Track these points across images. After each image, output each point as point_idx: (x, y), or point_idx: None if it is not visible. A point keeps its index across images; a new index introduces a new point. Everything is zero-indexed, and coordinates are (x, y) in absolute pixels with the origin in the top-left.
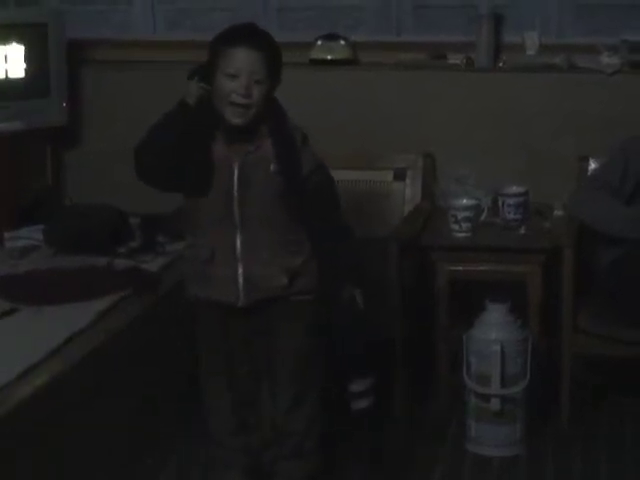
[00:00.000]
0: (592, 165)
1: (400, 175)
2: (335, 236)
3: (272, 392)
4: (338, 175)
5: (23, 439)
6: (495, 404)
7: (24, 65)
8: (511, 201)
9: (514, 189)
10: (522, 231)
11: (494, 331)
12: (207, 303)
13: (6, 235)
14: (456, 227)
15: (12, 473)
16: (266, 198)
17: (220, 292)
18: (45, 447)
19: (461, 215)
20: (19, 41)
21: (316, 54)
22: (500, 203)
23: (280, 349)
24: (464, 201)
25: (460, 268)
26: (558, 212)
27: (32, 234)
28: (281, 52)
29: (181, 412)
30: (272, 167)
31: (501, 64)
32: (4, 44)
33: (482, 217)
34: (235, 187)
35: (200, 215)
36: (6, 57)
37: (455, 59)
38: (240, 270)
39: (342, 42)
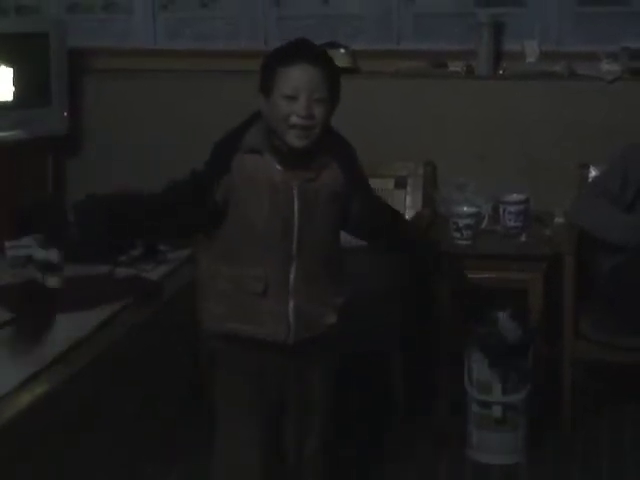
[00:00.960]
0: (592, 172)
1: (401, 183)
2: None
3: (296, 439)
4: None
5: (23, 448)
6: (497, 411)
7: (25, 75)
8: (512, 209)
9: (515, 196)
10: (523, 238)
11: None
12: (244, 342)
13: (7, 244)
14: (457, 235)
15: None
16: (325, 228)
17: (269, 329)
18: (45, 456)
19: (462, 223)
20: (20, 50)
21: None
22: (501, 211)
23: (315, 397)
24: (465, 209)
25: (461, 275)
26: (559, 219)
27: (34, 243)
28: (339, 68)
29: (182, 420)
30: (338, 195)
31: (501, 72)
32: (5, 53)
33: (483, 225)
34: (296, 215)
35: (251, 243)
36: (7, 67)
37: (455, 67)
38: (291, 305)
39: (342, 50)
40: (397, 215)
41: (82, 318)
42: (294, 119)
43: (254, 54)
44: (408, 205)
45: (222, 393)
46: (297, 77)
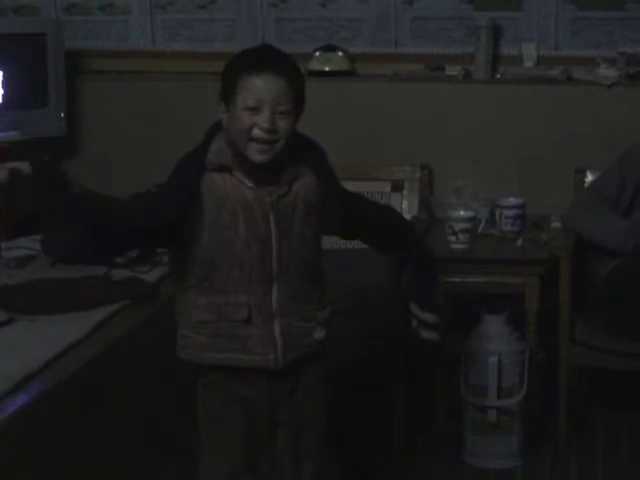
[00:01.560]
0: (589, 177)
1: (397, 186)
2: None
3: (292, 465)
4: None
5: (20, 450)
6: (492, 415)
7: (22, 75)
8: (508, 213)
9: (511, 200)
10: (519, 243)
11: (491, 342)
12: (228, 372)
13: (3, 245)
14: (453, 239)
15: None
16: (304, 243)
17: (256, 356)
18: (41, 459)
19: (458, 227)
20: (18, 51)
21: (314, 65)
22: (497, 215)
23: (307, 422)
24: (461, 213)
25: (457, 280)
26: (555, 224)
27: (29, 244)
28: (304, 76)
29: (180, 423)
30: (314, 205)
31: (499, 76)
32: (3, 54)
33: (479, 229)
34: (273, 236)
35: (229, 268)
36: (4, 67)
37: (453, 71)
38: (277, 327)
39: (340, 53)
40: (398, 217)
41: (78, 319)
42: (256, 132)
43: None
44: (404, 209)
45: (206, 431)
46: (260, 88)
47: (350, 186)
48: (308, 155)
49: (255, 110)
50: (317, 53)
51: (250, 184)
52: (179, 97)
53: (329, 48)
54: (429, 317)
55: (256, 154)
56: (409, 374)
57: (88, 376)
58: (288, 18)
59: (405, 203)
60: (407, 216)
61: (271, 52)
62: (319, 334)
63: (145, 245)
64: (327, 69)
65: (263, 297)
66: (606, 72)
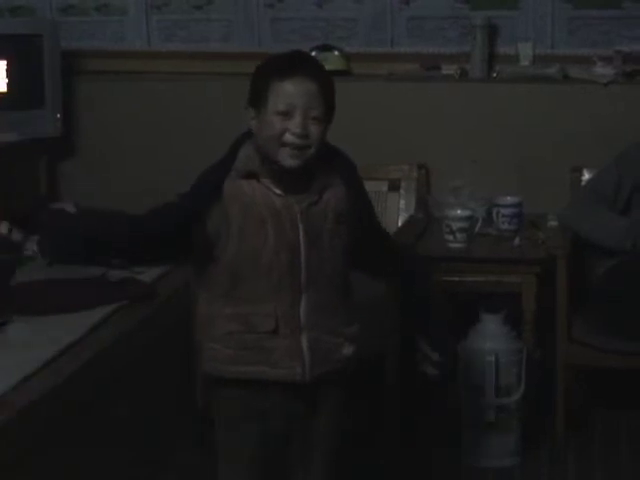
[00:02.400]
0: (586, 176)
1: (394, 186)
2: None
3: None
4: None
5: (19, 450)
6: (490, 414)
7: (18, 76)
8: (505, 212)
9: (508, 199)
10: (516, 242)
11: (488, 341)
12: (252, 386)
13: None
14: (450, 238)
15: None
16: (334, 254)
17: (283, 369)
18: (40, 459)
19: (455, 226)
20: (14, 52)
21: None
22: (494, 214)
23: (320, 443)
24: (458, 212)
25: (455, 279)
26: (552, 222)
27: (27, 245)
28: (334, 84)
29: (178, 424)
30: (343, 215)
31: (495, 75)
32: None
33: (476, 228)
34: (302, 244)
35: (257, 278)
36: (1, 68)
37: (449, 70)
38: (304, 340)
39: (336, 53)
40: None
41: (75, 320)
42: (288, 137)
43: (248, 56)
44: (401, 208)
45: (222, 447)
46: (292, 92)
47: None
48: (339, 166)
49: (286, 115)
50: (313, 53)
51: (278, 191)
52: (175, 97)
53: (325, 48)
54: (435, 356)
55: (288, 159)
56: (406, 374)
57: (85, 376)
58: (284, 18)
59: (402, 202)
60: (404, 215)
61: (303, 57)
62: (347, 350)
63: (164, 256)
64: None
65: (291, 308)
66: (602, 70)
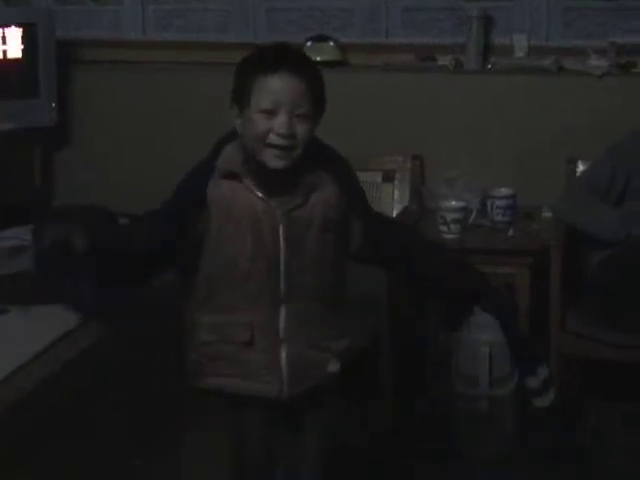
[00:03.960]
0: (580, 167)
1: (389, 177)
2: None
3: None
4: None
5: (12, 440)
6: (483, 406)
7: (13, 65)
8: (500, 203)
9: (503, 191)
10: (510, 233)
11: (482, 333)
12: (226, 400)
13: None
14: (445, 229)
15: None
16: (319, 263)
17: (258, 384)
18: (37, 449)
19: (450, 217)
20: (9, 41)
21: None
22: (489, 205)
23: (307, 456)
24: (453, 203)
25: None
26: (546, 214)
27: (21, 234)
28: (323, 76)
29: (175, 413)
30: (333, 222)
31: (490, 66)
32: None
33: (471, 219)
34: (282, 252)
35: (234, 286)
36: None
37: (444, 61)
38: (283, 354)
39: (331, 44)
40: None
41: (70, 309)
42: (272, 138)
43: (244, 46)
44: (396, 199)
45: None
46: (277, 88)
47: None
48: (329, 164)
49: (271, 113)
50: (308, 43)
51: (260, 194)
52: (171, 87)
53: (320, 38)
54: (533, 383)
55: (273, 160)
56: (399, 366)
57: (82, 366)
58: (280, 8)
59: (396, 193)
60: (398, 206)
61: (288, 50)
62: (333, 367)
63: (160, 266)
64: (318, 59)
65: (269, 319)
66: (597, 62)
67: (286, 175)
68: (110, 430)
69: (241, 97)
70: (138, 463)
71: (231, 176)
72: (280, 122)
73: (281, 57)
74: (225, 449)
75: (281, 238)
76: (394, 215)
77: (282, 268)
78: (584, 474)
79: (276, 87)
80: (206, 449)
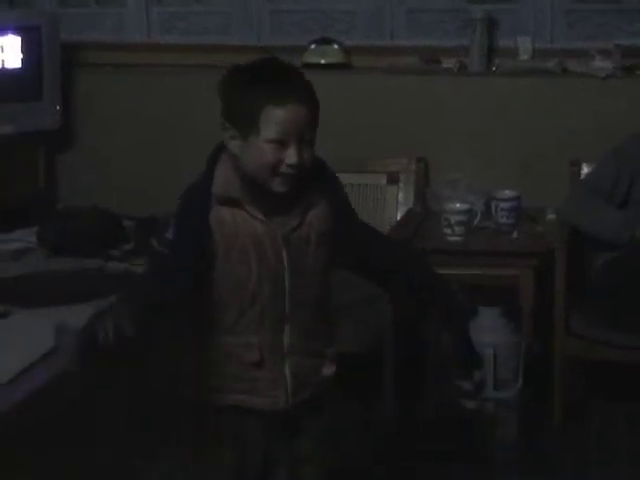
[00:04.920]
0: (584, 169)
1: (393, 179)
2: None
3: None
4: None
5: (18, 441)
6: (488, 408)
7: (17, 68)
8: (504, 205)
9: (507, 193)
10: (515, 235)
11: (487, 335)
12: (241, 416)
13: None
14: (449, 231)
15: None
16: (317, 278)
17: (267, 398)
18: (41, 451)
19: (454, 219)
20: (13, 44)
21: (309, 58)
22: (493, 207)
23: (308, 456)
24: (457, 205)
25: (453, 272)
26: (550, 216)
27: (25, 237)
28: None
29: (177, 414)
30: (327, 235)
31: (494, 68)
32: None
33: (475, 221)
34: (287, 272)
35: (241, 308)
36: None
37: (448, 63)
38: (287, 367)
39: (335, 46)
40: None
41: (74, 312)
42: (284, 168)
43: (247, 49)
44: (400, 201)
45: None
46: (285, 119)
47: (345, 179)
48: (321, 181)
49: (280, 143)
50: (312, 46)
51: (260, 216)
52: (174, 89)
53: (324, 41)
54: (467, 385)
55: (279, 186)
56: (402, 367)
57: (85, 369)
58: (283, 10)
59: (401, 195)
60: (403, 209)
61: (292, 76)
62: (328, 370)
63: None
64: (322, 62)
65: (275, 337)
66: (601, 64)
67: (285, 196)
68: (110, 430)
69: (244, 123)
70: (138, 463)
71: (230, 203)
72: (291, 154)
73: (284, 86)
74: (230, 461)
75: (285, 260)
76: (398, 217)
77: (287, 288)
78: (588, 475)
79: (284, 118)
80: (213, 462)
